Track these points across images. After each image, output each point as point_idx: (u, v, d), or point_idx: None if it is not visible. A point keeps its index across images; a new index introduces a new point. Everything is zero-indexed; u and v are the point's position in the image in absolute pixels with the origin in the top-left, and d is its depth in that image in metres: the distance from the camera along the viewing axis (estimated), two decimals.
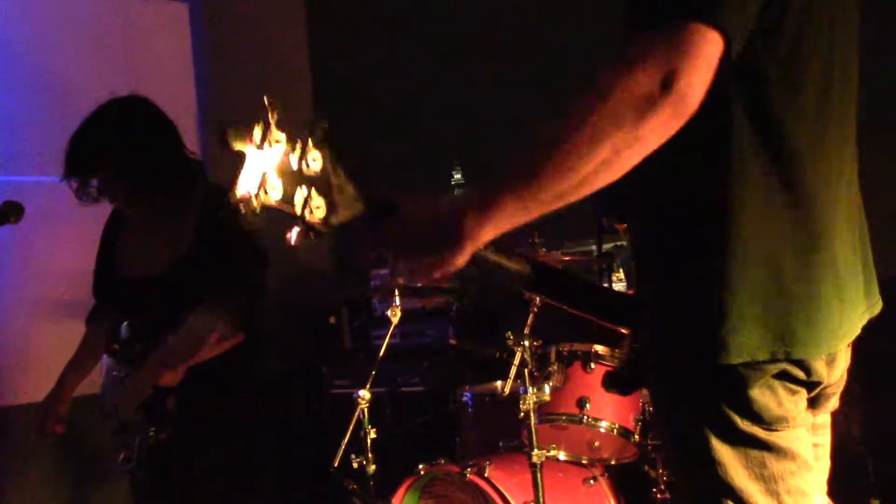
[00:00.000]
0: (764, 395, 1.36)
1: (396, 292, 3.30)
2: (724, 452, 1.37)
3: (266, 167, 1.26)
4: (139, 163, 2.39)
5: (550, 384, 2.80)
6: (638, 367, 1.51)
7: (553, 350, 2.88)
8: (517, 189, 1.24)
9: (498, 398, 3.28)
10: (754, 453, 1.37)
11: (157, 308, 2.35)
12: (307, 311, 5.06)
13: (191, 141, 4.79)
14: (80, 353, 2.58)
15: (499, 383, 3.51)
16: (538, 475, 2.67)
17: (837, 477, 3.80)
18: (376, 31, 5.66)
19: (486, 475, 2.82)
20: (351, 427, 3.05)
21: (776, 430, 1.38)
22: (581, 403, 2.79)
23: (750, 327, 1.32)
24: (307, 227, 1.30)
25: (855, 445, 3.54)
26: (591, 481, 2.99)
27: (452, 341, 3.45)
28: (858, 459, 3.48)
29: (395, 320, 3.21)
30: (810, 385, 1.41)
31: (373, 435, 3.09)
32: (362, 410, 3.08)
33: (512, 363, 2.79)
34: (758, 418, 1.36)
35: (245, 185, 1.27)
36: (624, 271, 3.88)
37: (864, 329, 1.51)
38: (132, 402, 2.33)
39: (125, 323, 2.44)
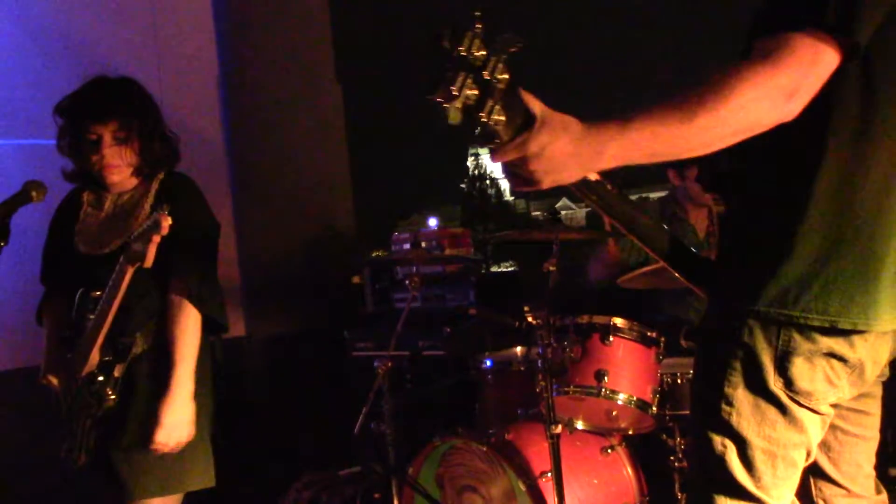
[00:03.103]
0: (807, 365, 1.48)
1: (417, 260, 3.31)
2: (744, 402, 1.50)
3: (466, 73, 1.30)
4: (150, 124, 2.46)
5: (569, 356, 2.81)
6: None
7: (572, 322, 2.88)
8: (667, 122, 1.36)
9: (517, 366, 3.31)
10: (770, 415, 1.50)
11: (105, 284, 2.31)
12: (330, 272, 5.10)
13: (211, 98, 4.86)
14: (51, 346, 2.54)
15: (519, 350, 3.54)
16: (556, 447, 2.69)
17: None
18: None
19: (504, 445, 2.85)
20: (371, 395, 3.09)
21: (798, 402, 1.50)
22: (599, 376, 2.80)
23: (834, 295, 1.44)
24: (487, 133, 1.36)
25: None
26: (609, 450, 3.02)
27: (472, 311, 3.46)
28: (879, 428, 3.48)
29: (413, 288, 3.22)
30: (853, 368, 1.51)
31: (393, 402, 3.13)
32: (382, 378, 3.11)
33: (531, 336, 2.81)
34: (790, 383, 1.49)
35: (447, 87, 1.30)
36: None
37: None
38: (80, 365, 2.33)
39: (76, 297, 2.41)
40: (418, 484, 3.05)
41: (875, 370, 1.55)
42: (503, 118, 1.33)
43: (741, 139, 1.39)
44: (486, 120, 1.31)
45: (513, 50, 1.31)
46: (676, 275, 1.68)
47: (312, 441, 4.23)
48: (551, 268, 2.87)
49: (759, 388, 1.50)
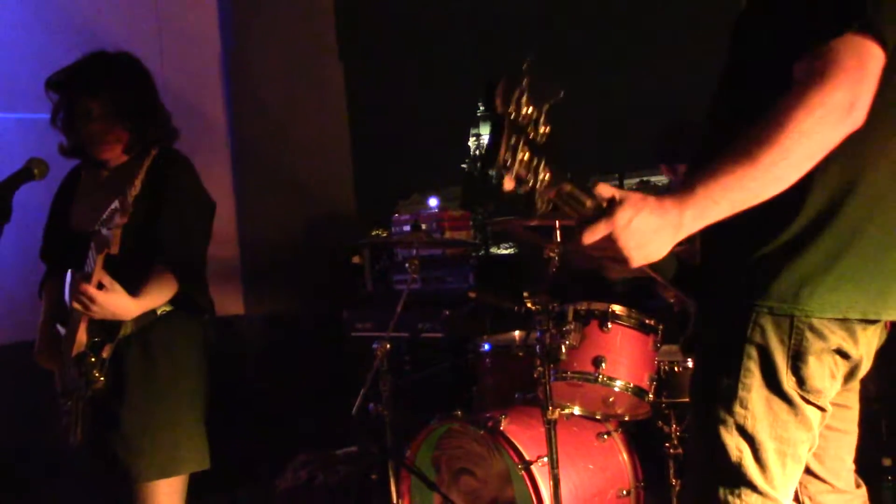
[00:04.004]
0: (817, 363, 1.48)
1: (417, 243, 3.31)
2: (758, 404, 1.49)
3: (512, 132, 1.30)
4: (142, 99, 2.42)
5: (567, 343, 2.82)
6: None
7: (571, 309, 2.88)
8: (734, 170, 1.35)
9: (515, 350, 3.32)
10: (783, 415, 1.50)
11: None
12: (330, 252, 5.11)
13: (213, 76, 4.84)
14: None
15: (517, 334, 3.55)
16: (552, 432, 2.71)
17: None
18: None
19: (501, 429, 2.87)
20: (370, 376, 3.09)
21: (808, 400, 1.50)
22: (597, 362, 2.81)
23: (848, 287, 1.45)
24: (532, 198, 1.36)
25: (870, 403, 3.56)
26: (605, 436, 3.03)
27: (472, 294, 3.46)
28: (872, 418, 3.50)
29: (413, 271, 3.22)
30: (852, 364, 1.53)
31: (391, 383, 3.13)
32: (381, 360, 3.12)
33: (529, 321, 2.81)
34: (802, 382, 1.49)
35: (497, 149, 1.30)
36: None
37: None
38: (69, 345, 2.32)
39: (67, 276, 2.38)
40: (414, 466, 3.07)
41: (867, 365, 1.57)
42: (549, 176, 1.32)
43: (815, 164, 1.38)
44: (533, 183, 1.31)
45: (554, 102, 1.32)
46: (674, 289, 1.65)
47: (309, 421, 4.25)
48: (552, 254, 2.88)
49: (773, 388, 1.49)
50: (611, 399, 2.96)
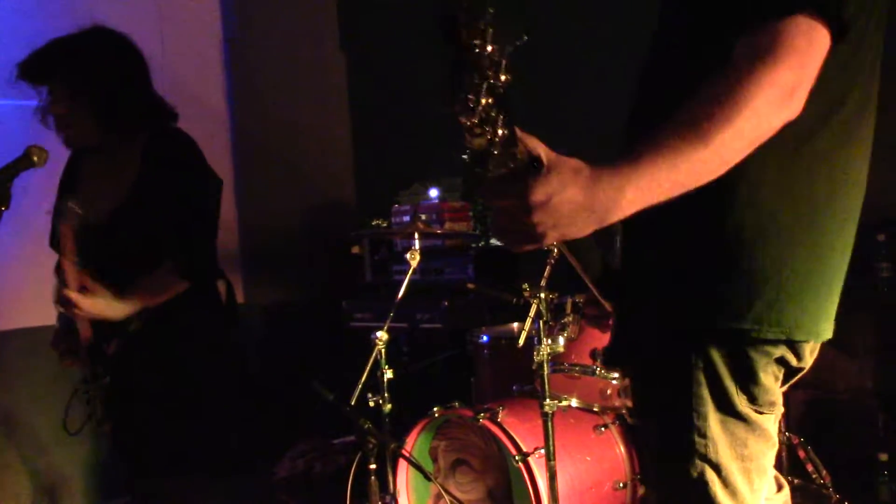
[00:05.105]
0: (767, 378, 1.42)
1: (416, 235, 3.31)
2: (715, 429, 1.42)
3: (475, 70, 1.03)
4: (104, 78, 2.32)
5: (565, 335, 2.82)
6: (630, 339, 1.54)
7: (569, 301, 2.89)
8: (683, 150, 1.17)
9: (514, 342, 3.32)
10: (740, 433, 1.43)
11: (103, 255, 2.27)
12: (329, 242, 5.11)
13: (214, 64, 4.83)
14: None
15: (515, 325, 3.55)
16: (549, 424, 2.71)
17: (847, 430, 3.84)
18: None
19: (498, 420, 2.87)
20: (368, 367, 3.10)
21: (764, 413, 1.45)
22: (595, 355, 2.82)
23: (792, 307, 1.37)
24: (486, 155, 1.11)
25: (867, 398, 3.57)
26: (602, 429, 3.04)
27: (470, 285, 3.46)
28: (869, 412, 3.51)
29: (413, 263, 3.22)
30: (795, 372, 1.48)
31: (389, 374, 3.14)
32: (379, 351, 3.12)
33: (528, 312, 2.81)
34: (754, 399, 1.43)
35: (461, 87, 1.04)
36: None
37: (880, 283, 1.57)
38: (80, 338, 2.31)
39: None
40: (412, 456, 3.07)
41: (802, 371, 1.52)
42: (505, 133, 1.08)
43: (751, 151, 1.24)
44: (491, 136, 1.07)
45: (518, 45, 1.08)
46: (593, 290, 1.54)
47: (308, 410, 4.26)
48: (551, 246, 2.87)
49: (727, 410, 1.42)
50: (608, 391, 2.96)
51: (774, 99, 1.21)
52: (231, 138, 4.91)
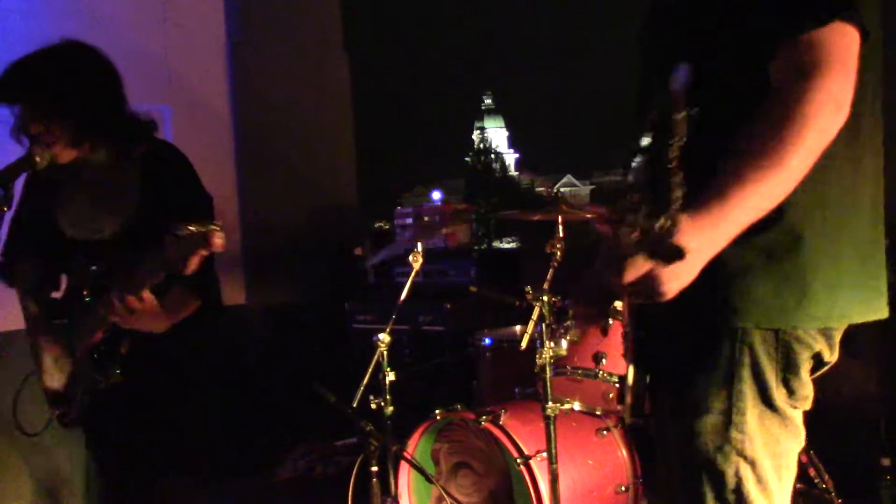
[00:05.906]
0: (805, 371, 1.46)
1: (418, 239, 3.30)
2: (753, 425, 1.44)
3: None
4: (77, 95, 2.26)
5: (567, 338, 2.81)
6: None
7: (572, 304, 2.88)
8: (763, 178, 1.28)
9: (516, 345, 3.31)
10: (775, 429, 1.46)
11: (113, 266, 2.24)
12: (332, 243, 5.11)
13: (218, 65, 4.84)
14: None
15: (518, 328, 3.55)
16: (552, 427, 2.71)
17: (850, 434, 3.81)
18: None
19: (500, 423, 2.87)
20: (370, 369, 3.09)
21: (797, 408, 1.48)
22: (597, 358, 2.80)
23: (829, 296, 1.42)
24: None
25: (871, 403, 3.56)
26: (604, 432, 3.03)
27: (472, 288, 3.46)
28: (872, 418, 3.50)
29: (416, 265, 3.21)
30: (820, 368, 1.50)
31: (391, 377, 3.13)
32: (381, 354, 3.11)
33: (530, 315, 2.81)
34: (793, 392, 1.46)
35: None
36: None
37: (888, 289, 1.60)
38: (81, 339, 2.30)
39: (72, 269, 2.36)
40: (414, 458, 3.07)
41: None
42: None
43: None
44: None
45: None
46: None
47: (310, 411, 4.26)
48: (554, 249, 2.87)
49: (765, 404, 1.44)
50: (611, 395, 2.95)
51: (831, 111, 1.29)
52: (234, 139, 4.92)
